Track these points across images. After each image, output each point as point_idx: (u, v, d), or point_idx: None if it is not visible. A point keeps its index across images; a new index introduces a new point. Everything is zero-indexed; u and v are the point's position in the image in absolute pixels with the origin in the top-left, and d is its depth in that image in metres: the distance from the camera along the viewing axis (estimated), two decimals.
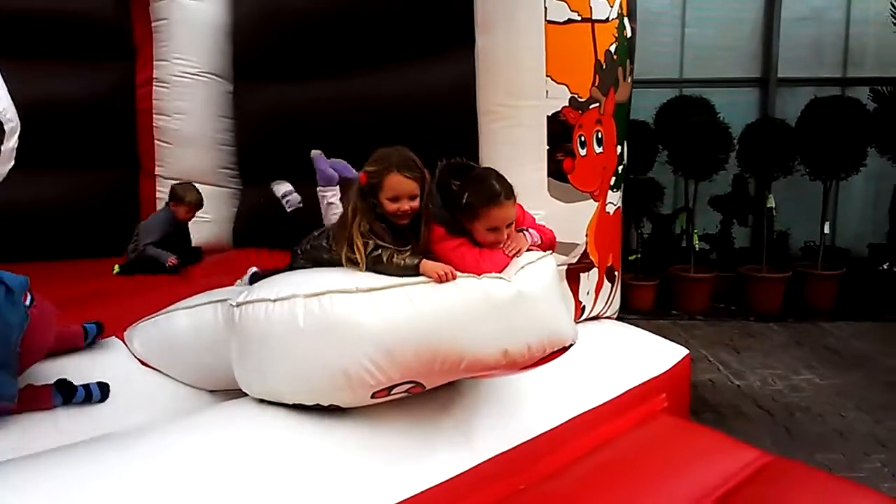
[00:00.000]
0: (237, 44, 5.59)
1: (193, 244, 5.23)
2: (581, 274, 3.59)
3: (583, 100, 3.40)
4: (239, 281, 3.30)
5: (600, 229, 3.64)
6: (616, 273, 3.93)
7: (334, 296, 2.14)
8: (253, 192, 5.64)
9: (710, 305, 7.04)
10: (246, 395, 2.39)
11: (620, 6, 3.59)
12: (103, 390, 2.60)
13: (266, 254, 4.78)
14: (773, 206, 7.04)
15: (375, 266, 2.29)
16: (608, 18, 3.50)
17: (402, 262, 2.27)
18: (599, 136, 3.53)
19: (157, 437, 2.12)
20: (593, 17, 3.42)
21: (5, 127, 2.16)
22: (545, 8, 3.25)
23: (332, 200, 3.60)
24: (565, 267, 3.48)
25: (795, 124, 6.84)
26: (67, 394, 2.51)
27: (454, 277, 2.23)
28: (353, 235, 2.35)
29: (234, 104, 5.69)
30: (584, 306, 3.67)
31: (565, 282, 3.49)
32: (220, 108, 5.66)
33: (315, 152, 3.81)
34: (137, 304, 3.25)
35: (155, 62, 5.55)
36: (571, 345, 2.50)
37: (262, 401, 2.32)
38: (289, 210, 3.76)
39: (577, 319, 3.61)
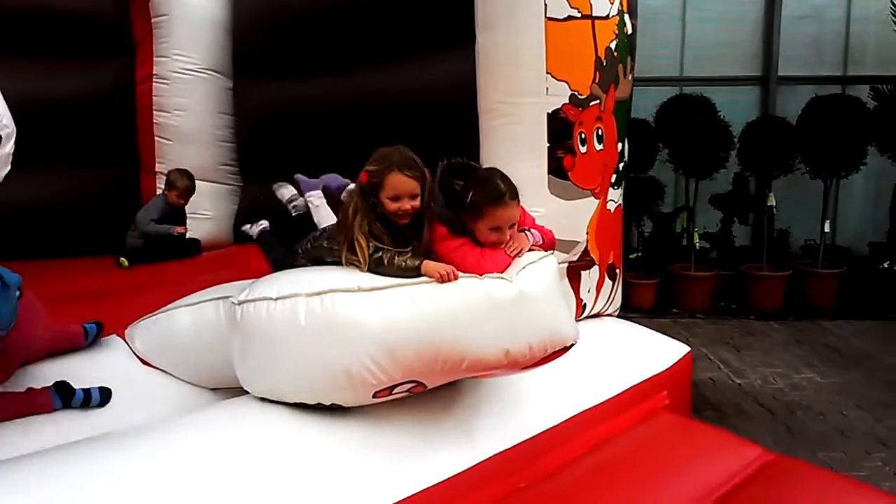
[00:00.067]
0: (237, 40, 5.59)
1: (193, 238, 5.25)
2: (582, 272, 3.59)
3: (583, 97, 3.39)
4: (248, 226, 3.35)
5: (601, 227, 3.64)
6: (617, 270, 3.92)
7: (336, 295, 2.14)
8: (253, 189, 5.64)
9: (710, 304, 7.03)
10: (247, 393, 2.38)
11: (621, 3, 3.58)
12: (104, 395, 2.57)
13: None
14: (774, 204, 7.04)
15: (377, 268, 2.29)
16: (608, 15, 3.49)
17: (404, 263, 2.27)
18: (600, 133, 3.52)
19: (159, 436, 2.12)
20: (593, 14, 3.41)
21: (1, 133, 2.15)
22: (545, 5, 3.24)
23: (317, 203, 3.62)
24: (566, 265, 3.48)
25: (796, 123, 6.84)
26: (66, 396, 2.49)
27: (456, 277, 2.23)
28: (354, 235, 2.34)
29: (234, 101, 5.69)
30: (585, 304, 3.67)
31: (566, 280, 3.48)
32: (220, 105, 5.65)
33: (298, 176, 3.83)
34: (138, 301, 3.24)
35: (155, 59, 5.54)
36: (573, 345, 2.50)
37: (263, 399, 2.32)
38: (294, 215, 3.75)
39: (579, 317, 3.61)
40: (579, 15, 3.34)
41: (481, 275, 2.28)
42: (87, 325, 2.87)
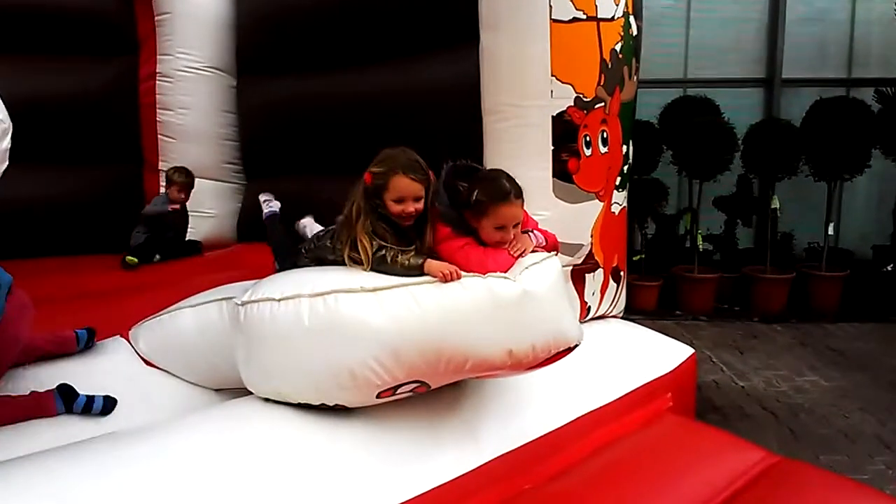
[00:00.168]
0: (240, 38, 5.59)
1: (195, 239, 5.25)
2: (586, 275, 3.58)
3: (588, 99, 3.38)
4: (263, 197, 3.49)
5: (605, 229, 3.63)
6: (621, 273, 3.91)
7: (339, 295, 2.14)
8: (257, 188, 5.64)
9: (713, 306, 7.03)
10: (251, 394, 2.38)
11: (626, 4, 3.57)
12: (107, 404, 2.55)
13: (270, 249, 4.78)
14: (778, 206, 7.04)
15: (379, 266, 2.28)
16: (613, 17, 3.48)
17: (407, 261, 2.26)
18: (605, 135, 3.51)
19: (162, 436, 2.11)
20: (599, 16, 3.40)
21: None
22: (550, 6, 3.23)
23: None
24: (571, 268, 3.47)
25: (800, 125, 6.84)
26: (68, 400, 2.48)
27: (459, 277, 2.22)
28: (357, 235, 2.34)
29: (237, 99, 5.69)
30: (589, 307, 3.66)
31: (570, 283, 3.47)
32: (223, 103, 5.65)
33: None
34: (141, 302, 3.24)
35: (158, 56, 5.54)
36: (577, 345, 2.49)
37: (267, 400, 2.32)
38: (264, 217, 3.73)
39: (583, 320, 3.60)
40: (584, 17, 3.33)
41: (484, 274, 2.28)
42: (79, 332, 2.84)
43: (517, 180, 2.46)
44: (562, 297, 2.52)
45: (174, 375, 2.82)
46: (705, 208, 7.21)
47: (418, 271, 2.24)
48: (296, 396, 2.26)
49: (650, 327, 3.95)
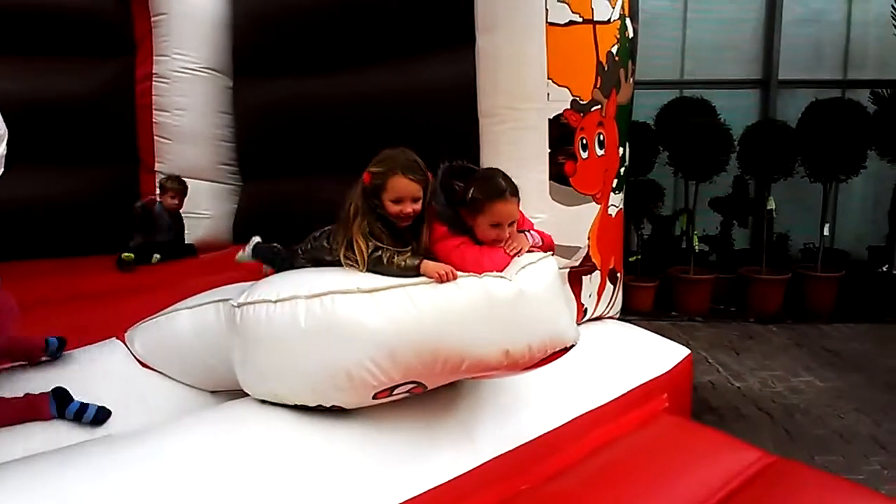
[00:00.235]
0: (237, 39, 5.59)
1: (192, 241, 5.25)
2: (583, 277, 3.59)
3: (584, 102, 3.39)
4: (241, 253, 3.31)
5: (602, 232, 3.64)
6: (618, 275, 3.92)
7: (336, 296, 2.14)
8: (253, 189, 5.65)
9: (709, 307, 7.05)
10: (247, 395, 2.38)
11: (622, 7, 3.58)
12: (100, 414, 2.48)
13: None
14: (773, 207, 7.05)
15: (375, 268, 2.29)
16: (610, 20, 3.49)
17: (403, 262, 2.27)
18: (601, 138, 3.52)
19: (159, 439, 2.11)
20: (595, 19, 3.40)
21: None
22: (546, 10, 3.24)
23: None
24: (568, 270, 3.48)
25: (796, 126, 6.86)
26: (62, 404, 2.45)
27: (455, 277, 2.23)
28: (354, 236, 2.35)
29: (233, 100, 5.69)
30: (586, 308, 3.67)
31: (567, 285, 3.48)
32: (220, 104, 5.65)
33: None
34: (137, 303, 3.24)
35: (155, 57, 5.53)
36: (573, 345, 2.49)
37: (263, 402, 2.32)
38: (251, 252, 3.67)
39: (580, 322, 3.61)
40: (581, 20, 3.33)
41: (481, 273, 2.28)
42: (50, 339, 2.77)
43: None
44: (558, 296, 2.52)
45: (170, 377, 2.82)
46: (701, 209, 7.23)
47: (414, 272, 2.25)
48: (292, 398, 2.26)
49: (646, 328, 3.96)
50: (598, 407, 3.04)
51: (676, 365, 3.61)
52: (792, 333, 6.23)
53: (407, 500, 2.18)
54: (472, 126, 3.51)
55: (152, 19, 5.51)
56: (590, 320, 3.76)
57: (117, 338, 3.00)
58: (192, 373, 2.77)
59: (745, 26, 7.96)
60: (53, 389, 2.48)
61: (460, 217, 2.43)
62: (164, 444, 2.07)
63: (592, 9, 3.38)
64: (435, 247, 2.41)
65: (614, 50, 3.52)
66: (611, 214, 3.73)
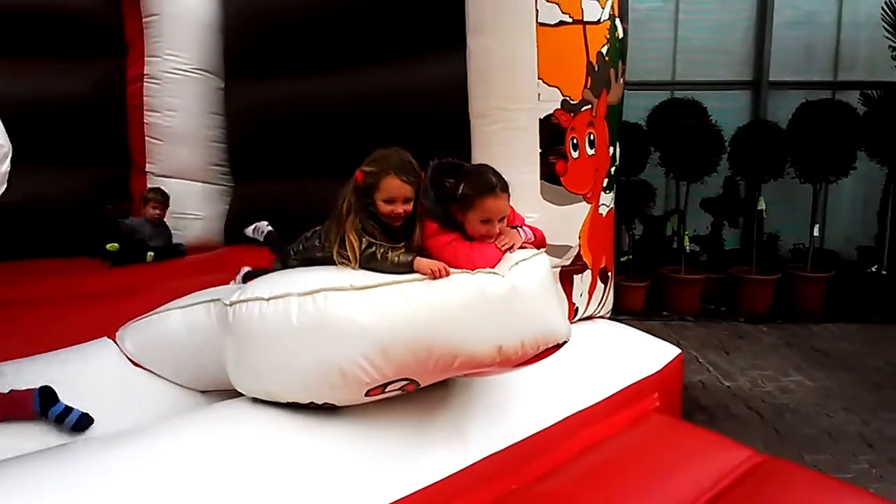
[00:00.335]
0: (228, 40, 5.58)
1: (183, 241, 5.24)
2: (574, 276, 3.60)
3: (575, 102, 3.40)
4: (233, 282, 3.29)
5: (593, 231, 3.65)
6: (609, 274, 3.94)
7: (328, 294, 2.14)
8: (244, 190, 5.64)
9: (700, 307, 7.08)
10: (239, 395, 2.38)
11: (612, 7, 3.59)
12: (82, 420, 2.43)
13: (258, 252, 4.77)
14: (764, 208, 7.09)
15: (369, 264, 2.29)
16: (599, 20, 3.50)
17: (397, 258, 2.27)
18: (592, 138, 3.53)
19: (152, 438, 2.11)
20: (585, 19, 3.41)
21: None
22: (536, 10, 3.24)
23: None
24: (559, 269, 3.49)
25: (786, 127, 6.90)
26: (46, 404, 2.40)
27: (448, 274, 2.24)
28: (346, 233, 2.35)
29: (225, 101, 5.68)
30: (577, 307, 3.68)
31: (559, 283, 3.49)
32: (211, 105, 5.64)
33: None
34: (129, 304, 3.23)
35: (146, 58, 5.53)
36: (565, 342, 2.50)
37: (256, 400, 2.32)
38: (262, 238, 3.68)
39: (571, 321, 3.62)
40: (571, 20, 3.34)
41: (473, 269, 2.29)
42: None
43: None
44: (550, 293, 2.53)
45: (161, 377, 2.81)
46: (692, 210, 7.26)
47: (407, 268, 2.25)
48: (285, 395, 2.26)
49: (637, 328, 3.97)
50: (589, 406, 3.04)
51: (667, 364, 3.62)
52: (782, 333, 6.26)
53: (399, 499, 2.18)
54: (466, 126, 3.52)
55: (144, 20, 5.50)
56: (581, 319, 3.77)
57: (108, 337, 3.00)
58: (184, 372, 2.77)
59: (736, 28, 8.00)
60: (40, 388, 2.44)
61: (451, 213, 2.44)
62: (156, 444, 2.07)
63: (582, 9, 3.38)
64: (427, 243, 2.42)
65: (604, 50, 3.53)
66: (601, 214, 3.75)
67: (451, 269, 2.26)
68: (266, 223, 3.59)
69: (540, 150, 3.34)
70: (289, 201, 4.94)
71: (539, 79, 3.28)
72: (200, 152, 5.64)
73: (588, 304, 3.75)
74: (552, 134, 3.35)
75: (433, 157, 2.53)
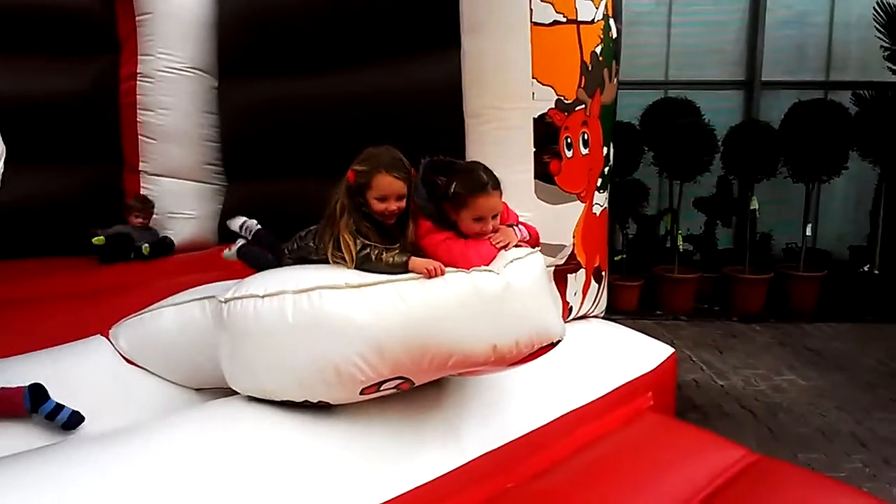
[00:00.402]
0: (221, 39, 5.55)
1: (176, 241, 5.23)
2: (568, 275, 3.60)
3: (569, 101, 3.40)
4: (227, 251, 3.29)
5: (587, 230, 3.65)
6: (603, 273, 3.94)
7: (323, 291, 2.14)
8: (237, 189, 5.62)
9: (693, 306, 7.09)
10: (233, 393, 2.38)
11: (606, 7, 3.59)
12: (73, 419, 2.42)
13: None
14: (757, 207, 7.11)
15: (364, 265, 2.29)
16: (594, 20, 3.50)
17: (391, 259, 2.27)
18: (585, 137, 3.53)
19: (146, 437, 2.10)
20: (579, 19, 3.41)
21: None
22: (531, 10, 3.25)
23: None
24: (553, 268, 3.49)
25: (779, 127, 6.92)
26: (37, 402, 2.38)
27: (443, 273, 2.24)
28: (341, 233, 2.35)
29: (218, 100, 5.65)
30: (571, 307, 3.68)
31: (553, 283, 3.49)
32: (205, 104, 5.61)
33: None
34: (123, 302, 3.23)
35: (139, 57, 5.48)
36: (559, 341, 2.51)
37: (250, 398, 2.31)
38: (251, 236, 3.66)
39: (565, 320, 3.62)
40: (565, 20, 3.34)
41: (468, 266, 2.29)
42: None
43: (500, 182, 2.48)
44: (545, 291, 2.54)
45: (155, 374, 2.80)
46: (685, 209, 7.27)
47: (402, 269, 2.25)
48: (280, 393, 2.26)
49: (631, 327, 3.98)
50: (584, 405, 3.05)
51: (661, 363, 3.63)
52: (775, 332, 6.28)
53: (393, 498, 2.18)
54: (458, 127, 3.52)
55: (137, 18, 5.47)
56: (575, 319, 3.77)
57: (102, 335, 2.98)
58: (178, 370, 2.76)
59: (728, 28, 8.02)
60: (30, 385, 2.42)
61: (444, 211, 2.44)
62: (150, 442, 2.06)
63: (576, 9, 3.38)
64: (421, 242, 2.41)
65: (598, 50, 3.53)
66: (595, 213, 3.75)
67: (447, 269, 2.26)
68: (255, 222, 3.56)
69: (534, 150, 3.34)
70: (283, 201, 4.92)
71: (533, 78, 3.28)
72: (194, 151, 5.60)
73: (582, 303, 3.76)
74: (546, 133, 3.35)
75: (425, 155, 2.53)
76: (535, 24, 3.26)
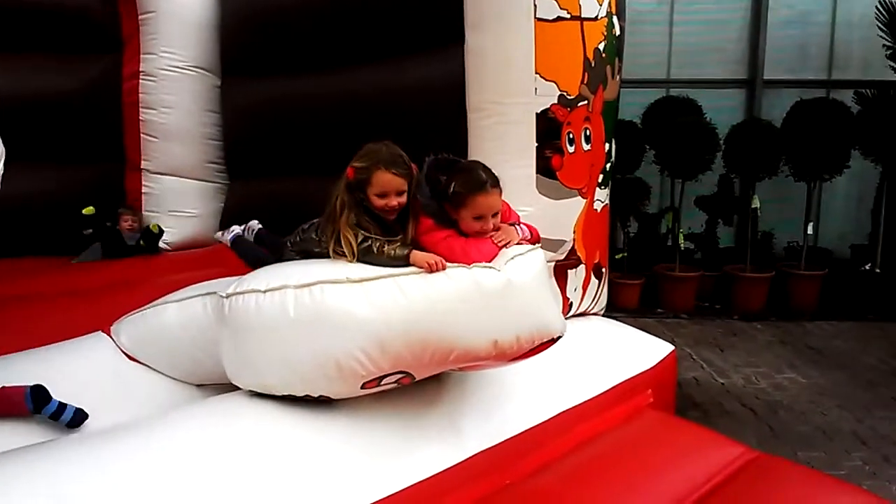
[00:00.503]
0: (224, 38, 5.56)
1: (177, 239, 5.24)
2: (569, 270, 3.60)
3: (571, 97, 3.41)
4: (220, 234, 3.29)
5: (588, 226, 3.66)
6: (603, 270, 3.95)
7: (325, 286, 2.14)
8: (239, 188, 5.62)
9: (694, 304, 7.09)
10: (235, 389, 2.38)
11: (609, 4, 3.60)
12: (77, 416, 2.41)
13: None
14: (758, 206, 7.10)
15: (365, 257, 2.30)
16: (597, 16, 3.51)
17: (393, 252, 2.28)
18: (588, 133, 3.54)
19: (148, 433, 2.10)
20: (582, 15, 3.42)
21: None
22: (535, 5, 3.26)
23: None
24: (553, 263, 3.50)
25: (781, 126, 6.91)
26: (39, 402, 2.36)
27: (444, 267, 2.25)
28: (341, 229, 2.35)
29: (221, 98, 5.66)
30: (571, 303, 3.68)
31: (553, 278, 3.50)
32: (207, 103, 5.61)
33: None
34: (124, 298, 3.23)
35: (142, 55, 5.48)
36: (559, 337, 2.51)
37: (251, 394, 2.32)
38: (252, 237, 3.65)
39: (565, 316, 3.63)
40: (568, 16, 3.35)
41: (469, 264, 2.30)
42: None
43: (501, 176, 2.49)
44: (545, 288, 2.55)
45: (157, 371, 2.81)
46: (687, 207, 7.27)
47: (404, 261, 2.26)
48: (281, 388, 2.26)
49: (632, 325, 3.97)
50: (584, 402, 3.05)
51: (661, 361, 3.63)
52: (776, 331, 6.28)
53: (394, 493, 2.18)
54: (460, 124, 3.52)
55: (140, 17, 5.47)
56: (575, 316, 3.78)
57: (103, 331, 2.99)
58: (179, 366, 2.76)
59: (731, 27, 8.02)
60: (32, 387, 2.39)
61: (445, 210, 2.45)
62: (152, 438, 2.06)
63: (580, 5, 3.39)
64: (422, 239, 2.42)
65: (601, 46, 3.54)
66: (596, 209, 3.76)
67: (448, 263, 2.27)
68: (256, 222, 3.57)
69: (536, 144, 3.35)
70: (285, 199, 4.93)
71: (536, 73, 3.30)
72: (196, 150, 5.60)
73: (582, 299, 3.76)
74: (548, 128, 3.36)
75: (429, 153, 2.54)
76: (539, 19, 3.27)
